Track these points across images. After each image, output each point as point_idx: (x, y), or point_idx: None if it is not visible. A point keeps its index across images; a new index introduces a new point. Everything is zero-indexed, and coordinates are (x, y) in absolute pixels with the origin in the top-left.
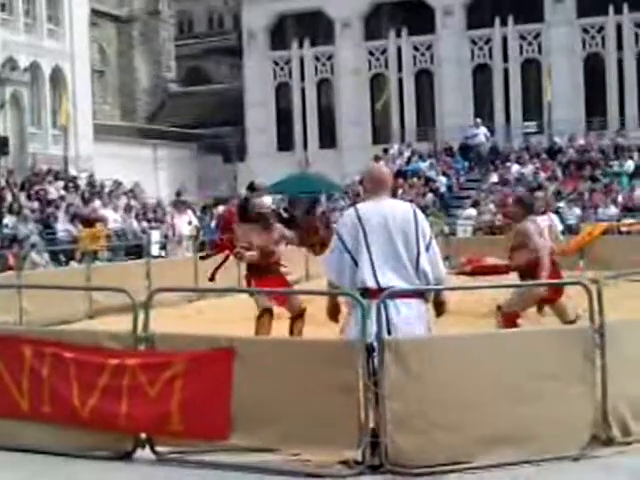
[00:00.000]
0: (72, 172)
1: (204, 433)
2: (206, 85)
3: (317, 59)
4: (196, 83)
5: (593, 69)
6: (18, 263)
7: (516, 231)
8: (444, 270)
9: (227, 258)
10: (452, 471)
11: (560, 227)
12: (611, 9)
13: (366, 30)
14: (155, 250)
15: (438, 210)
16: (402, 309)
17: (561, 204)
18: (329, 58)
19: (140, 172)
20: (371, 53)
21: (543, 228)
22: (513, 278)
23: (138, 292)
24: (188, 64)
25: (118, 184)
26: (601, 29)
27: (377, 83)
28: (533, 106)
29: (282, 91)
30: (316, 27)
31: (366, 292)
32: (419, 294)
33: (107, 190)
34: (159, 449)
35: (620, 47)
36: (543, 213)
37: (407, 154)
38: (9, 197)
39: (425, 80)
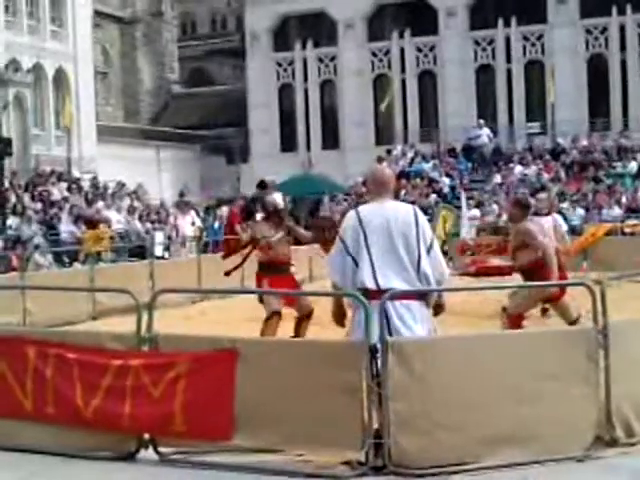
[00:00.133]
0: (75, 173)
1: (207, 434)
2: (209, 86)
3: (320, 60)
4: (199, 84)
5: (596, 70)
6: (22, 264)
7: (516, 231)
8: (447, 272)
9: (248, 256)
10: (456, 472)
11: (565, 227)
12: (614, 10)
13: (369, 31)
14: (158, 251)
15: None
16: (401, 311)
17: (564, 205)
18: (332, 59)
19: (143, 173)
20: (374, 54)
21: (548, 229)
22: (516, 279)
23: (142, 293)
24: (191, 65)
25: (121, 185)
26: (604, 30)
27: (380, 84)
28: (536, 107)
29: (285, 92)
30: (319, 28)
31: (366, 293)
32: (420, 296)
33: (110, 191)
34: (162, 450)
35: (623, 48)
36: (547, 214)
37: (410, 155)
38: (13, 198)
39: (428, 81)
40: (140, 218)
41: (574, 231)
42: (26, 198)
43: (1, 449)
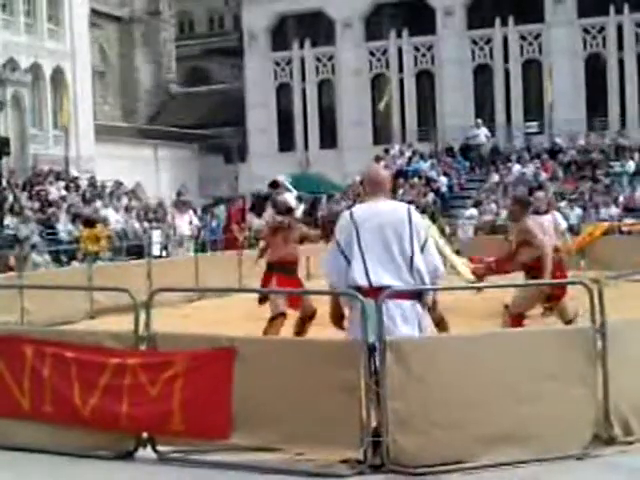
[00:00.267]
0: (73, 173)
1: (205, 433)
2: (207, 86)
3: (318, 60)
4: (197, 84)
5: (594, 69)
6: (19, 263)
7: (518, 229)
8: (441, 269)
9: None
10: (454, 470)
11: (565, 225)
12: (612, 9)
13: (367, 31)
14: (156, 250)
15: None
16: (392, 310)
17: (562, 204)
18: (330, 59)
19: (141, 172)
20: (372, 54)
21: (547, 227)
22: (514, 277)
23: (139, 292)
24: (189, 65)
25: (119, 184)
26: (602, 29)
27: (378, 84)
28: (534, 106)
29: (283, 92)
30: (317, 28)
31: (358, 291)
32: (414, 295)
33: (108, 190)
34: (161, 449)
35: (621, 47)
36: (546, 212)
37: (408, 154)
38: (10, 198)
39: (426, 80)
40: (138, 217)
41: (572, 230)
42: (24, 197)
43: (4, 449)
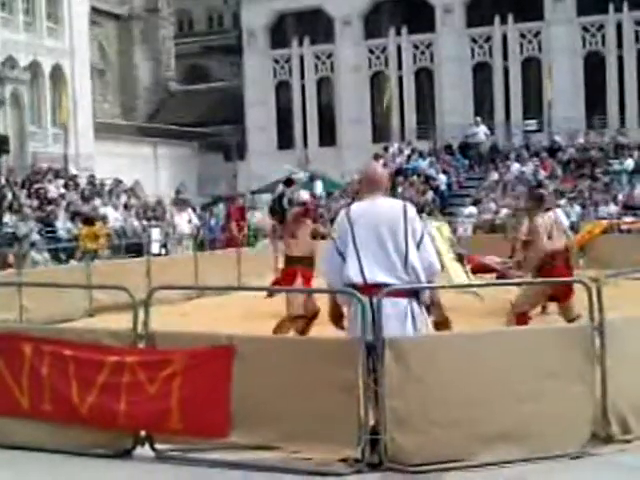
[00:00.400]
0: (72, 170)
1: (204, 431)
2: (206, 83)
3: (317, 57)
4: (196, 81)
5: (593, 67)
6: (18, 261)
7: (530, 228)
8: (437, 266)
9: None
10: (451, 469)
11: (566, 223)
12: (611, 7)
13: (366, 28)
14: (155, 248)
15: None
16: (387, 307)
17: (561, 202)
18: (329, 56)
19: (140, 170)
20: (371, 51)
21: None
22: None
23: (138, 290)
24: (188, 62)
25: (118, 182)
26: (601, 27)
27: (377, 81)
28: (533, 104)
29: (282, 89)
30: (316, 25)
31: (354, 289)
32: (410, 292)
33: (107, 188)
34: (159, 447)
35: (620, 45)
36: (547, 210)
37: (407, 152)
38: (9, 195)
39: (425, 78)
40: (137, 215)
41: (572, 228)
42: (23, 195)
43: (2, 447)
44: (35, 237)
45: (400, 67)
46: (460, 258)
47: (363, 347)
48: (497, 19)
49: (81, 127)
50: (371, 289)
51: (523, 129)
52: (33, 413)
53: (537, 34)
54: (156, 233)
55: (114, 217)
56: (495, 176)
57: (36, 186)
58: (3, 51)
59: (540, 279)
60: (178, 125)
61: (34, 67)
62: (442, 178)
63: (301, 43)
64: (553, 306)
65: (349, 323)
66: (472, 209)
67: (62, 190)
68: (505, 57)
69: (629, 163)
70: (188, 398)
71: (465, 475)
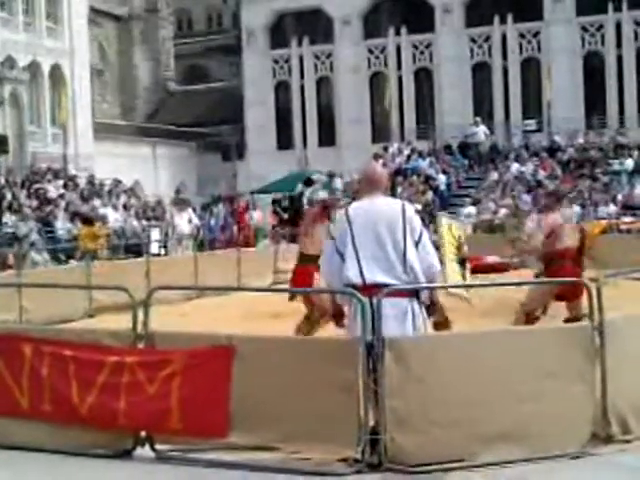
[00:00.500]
0: (72, 171)
1: (203, 431)
2: (205, 83)
3: (316, 57)
4: (195, 81)
5: (593, 67)
6: (18, 262)
7: (546, 223)
8: (437, 266)
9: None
10: (451, 469)
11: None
12: (610, 7)
13: (365, 28)
14: (155, 248)
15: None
16: (386, 306)
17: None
18: (328, 56)
19: (140, 170)
20: (370, 51)
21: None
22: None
23: (138, 290)
24: (187, 62)
25: (118, 182)
26: (600, 27)
27: (376, 81)
28: (533, 104)
29: (281, 89)
30: (315, 25)
31: (353, 289)
32: (409, 292)
33: (107, 189)
34: (159, 447)
35: (619, 45)
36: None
37: (407, 152)
38: (9, 196)
39: (424, 78)
40: (137, 215)
41: None
42: (22, 195)
43: (2, 447)
44: (35, 237)
45: (399, 67)
46: (463, 260)
47: (363, 347)
48: (496, 19)
49: (80, 127)
50: (370, 290)
51: (522, 129)
52: (33, 413)
53: (536, 34)
54: (156, 233)
55: (114, 217)
56: (494, 176)
57: (35, 186)
58: (2, 51)
59: (546, 279)
60: (177, 125)
61: (33, 67)
62: (441, 178)
63: (300, 43)
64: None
65: (349, 323)
66: (471, 209)
67: (61, 190)
68: (504, 57)
69: (628, 163)
70: (188, 398)
71: (465, 475)
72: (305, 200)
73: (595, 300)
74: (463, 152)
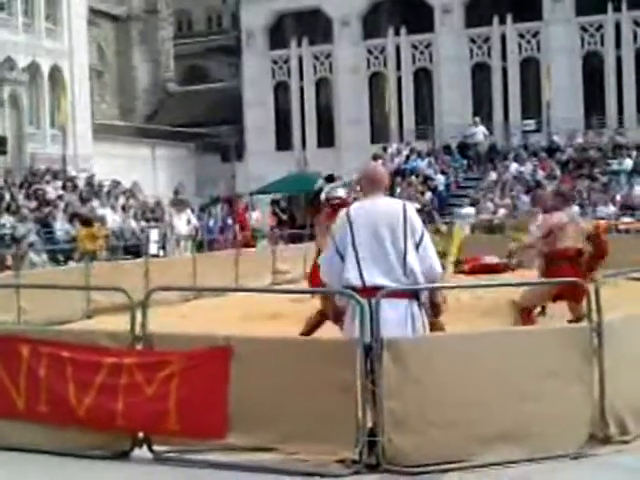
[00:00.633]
0: (71, 172)
1: (201, 432)
2: (205, 84)
3: (316, 58)
4: (195, 82)
5: (592, 67)
6: (16, 262)
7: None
8: (438, 268)
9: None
10: (450, 470)
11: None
12: (610, 7)
13: (365, 29)
14: (154, 249)
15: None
16: (386, 309)
17: None
18: (328, 57)
19: (139, 171)
20: (370, 52)
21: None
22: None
23: (136, 291)
24: (187, 63)
25: (116, 183)
26: (600, 27)
27: (376, 82)
28: (532, 104)
29: (281, 90)
30: (315, 26)
31: (353, 291)
32: (409, 294)
33: (105, 190)
34: (156, 448)
35: (619, 45)
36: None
37: (406, 153)
38: (7, 196)
39: (424, 78)
40: (135, 216)
41: None
42: (21, 196)
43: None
44: (33, 238)
45: (399, 67)
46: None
47: (361, 348)
48: (496, 19)
49: (79, 128)
50: (370, 292)
51: (522, 129)
52: (30, 414)
53: (536, 34)
54: (154, 234)
55: (112, 218)
56: (493, 176)
57: (34, 187)
58: (2, 52)
59: (544, 279)
60: (176, 126)
61: (33, 68)
62: (440, 178)
63: (300, 44)
64: (551, 307)
65: (346, 325)
66: (470, 209)
67: (60, 191)
68: (504, 57)
69: (628, 163)
70: (186, 399)
71: (464, 476)
72: (323, 195)
73: (593, 301)
74: (462, 152)
